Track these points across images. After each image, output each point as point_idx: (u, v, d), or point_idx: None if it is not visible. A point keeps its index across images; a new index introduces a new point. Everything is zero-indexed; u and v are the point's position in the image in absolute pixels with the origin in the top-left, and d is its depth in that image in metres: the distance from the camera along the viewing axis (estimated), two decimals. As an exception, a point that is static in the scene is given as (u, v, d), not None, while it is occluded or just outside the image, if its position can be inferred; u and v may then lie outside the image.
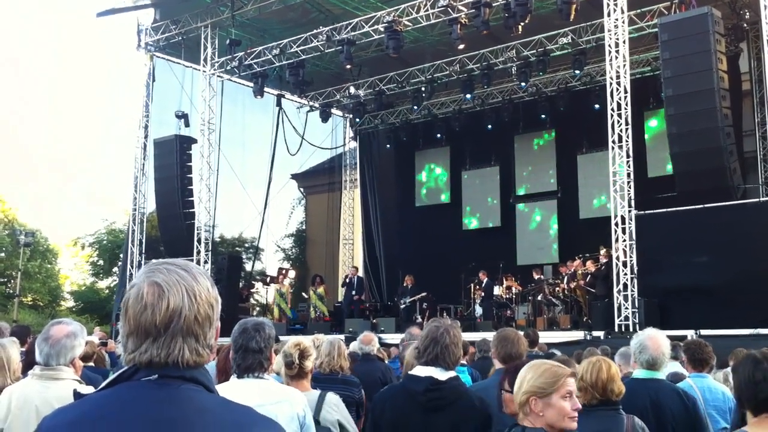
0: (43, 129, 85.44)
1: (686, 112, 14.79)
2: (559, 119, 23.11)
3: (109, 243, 38.39)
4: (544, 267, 21.03)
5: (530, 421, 3.20)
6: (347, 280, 22.55)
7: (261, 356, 3.86)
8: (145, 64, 22.99)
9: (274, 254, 30.62)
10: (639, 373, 4.79)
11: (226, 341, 3.98)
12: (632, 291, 15.30)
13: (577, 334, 15.72)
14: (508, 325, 14.33)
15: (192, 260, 20.20)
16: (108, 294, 36.18)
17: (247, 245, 30.78)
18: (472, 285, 20.60)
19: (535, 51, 20.28)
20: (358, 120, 26.59)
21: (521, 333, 5.42)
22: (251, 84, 22.35)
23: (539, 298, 19.19)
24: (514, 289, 19.99)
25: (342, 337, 12.57)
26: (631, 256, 15.49)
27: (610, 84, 16.28)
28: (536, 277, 20.00)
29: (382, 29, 18.84)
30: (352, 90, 24.10)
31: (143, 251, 22.46)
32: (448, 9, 17.87)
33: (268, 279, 23.61)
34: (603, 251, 17.71)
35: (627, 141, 15.89)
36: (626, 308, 15.29)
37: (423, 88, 23.12)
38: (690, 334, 12.62)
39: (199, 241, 21.25)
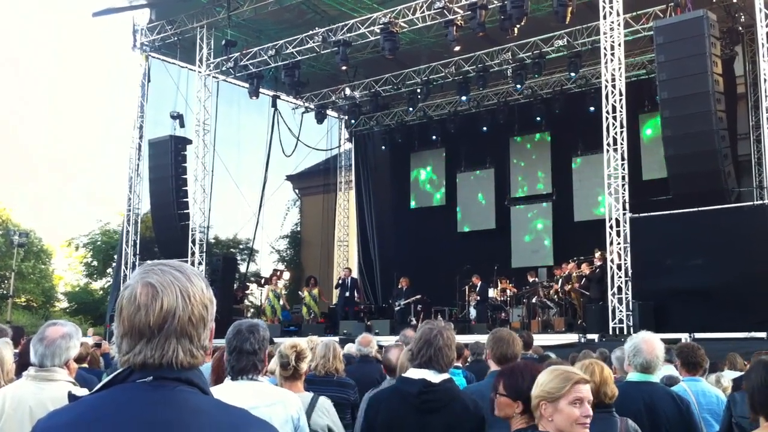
0: (43, 129, 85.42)
1: (681, 115, 14.82)
2: (554, 121, 23.12)
3: (103, 244, 38.32)
4: (538, 269, 21.07)
5: (543, 426, 3.20)
6: (340, 282, 22.54)
7: (255, 358, 3.85)
8: (140, 64, 22.96)
9: (268, 255, 30.60)
10: (633, 376, 4.79)
11: (220, 343, 3.97)
12: (626, 294, 15.32)
13: (572, 337, 15.75)
14: (504, 327, 14.31)
15: (186, 261, 20.13)
16: (102, 295, 36.11)
17: (241, 246, 30.73)
18: (466, 287, 20.61)
19: (530, 53, 20.30)
20: (353, 121, 26.59)
21: (516, 334, 5.41)
22: (246, 85, 22.31)
23: (534, 300, 19.20)
24: (508, 291, 20.00)
25: (336, 339, 12.57)
26: (625, 259, 15.51)
27: (606, 86, 16.30)
28: (531, 279, 20.03)
29: (378, 31, 18.83)
30: (348, 91, 24.10)
31: (137, 252, 22.40)
32: (444, 11, 17.89)
33: (262, 280, 23.59)
34: (597, 254, 17.74)
35: (622, 143, 15.91)
36: (620, 311, 15.31)
37: (418, 90, 23.12)
38: (684, 337, 12.65)
39: (193, 242, 21.21)
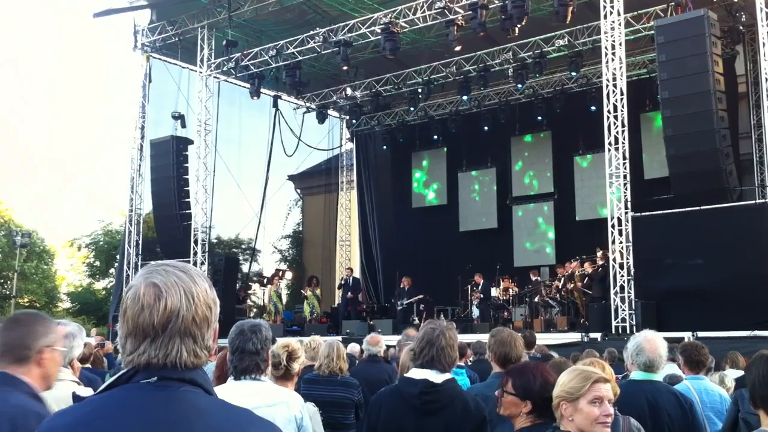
0: (43, 129, 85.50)
1: (682, 115, 14.81)
2: (555, 121, 23.11)
3: (105, 244, 38.40)
4: (540, 269, 21.06)
5: (564, 425, 3.21)
6: (343, 282, 22.54)
7: (258, 358, 3.86)
8: (141, 65, 22.96)
9: (270, 255, 30.62)
10: (636, 374, 4.80)
11: (224, 343, 3.98)
12: (629, 293, 15.31)
13: (574, 336, 15.75)
14: (506, 327, 14.32)
15: (188, 261, 20.19)
16: (105, 295, 36.16)
17: (243, 246, 30.74)
18: (469, 286, 20.61)
19: (531, 53, 20.30)
20: (354, 121, 26.59)
21: (517, 333, 5.41)
22: (248, 85, 22.31)
23: (536, 299, 19.20)
24: (511, 290, 19.99)
25: (339, 338, 12.57)
26: (627, 258, 15.51)
27: (607, 86, 16.29)
28: (533, 278, 20.03)
29: (378, 31, 18.83)
30: (349, 91, 24.10)
31: (140, 252, 22.42)
32: (445, 11, 17.89)
33: (265, 280, 23.60)
34: (599, 253, 17.75)
35: (623, 143, 15.90)
36: (623, 310, 15.31)
37: (419, 90, 23.11)
38: (687, 336, 12.64)
39: (195, 242, 21.22)
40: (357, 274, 25.28)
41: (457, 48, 18.96)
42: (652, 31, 16.11)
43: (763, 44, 15.07)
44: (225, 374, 4.24)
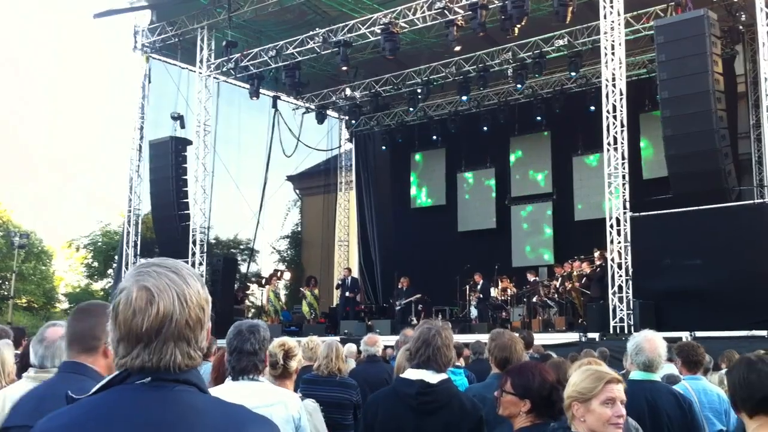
0: (43, 129, 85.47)
1: (681, 115, 14.81)
2: (554, 121, 23.10)
3: (103, 245, 38.36)
4: (539, 269, 21.06)
5: (575, 426, 3.20)
6: (341, 282, 22.55)
7: (256, 358, 3.85)
8: (141, 65, 22.95)
9: (269, 256, 30.62)
10: (635, 374, 4.80)
11: (222, 343, 3.98)
12: (627, 293, 15.31)
13: (573, 336, 15.75)
14: (503, 327, 14.32)
15: (187, 262, 20.15)
16: (103, 296, 36.03)
17: (242, 247, 30.72)
18: (467, 287, 20.61)
19: (531, 53, 20.29)
20: (353, 122, 26.58)
21: (517, 337, 5.41)
22: (247, 86, 22.30)
23: (534, 299, 19.20)
24: (509, 290, 19.98)
25: (337, 339, 12.57)
26: (626, 258, 15.51)
27: (606, 86, 16.29)
28: (531, 278, 20.01)
29: (378, 31, 18.82)
30: (348, 92, 24.10)
31: (138, 253, 22.39)
32: (445, 11, 17.89)
33: (263, 281, 23.59)
34: (597, 253, 17.75)
35: (622, 143, 15.90)
36: (621, 310, 15.31)
37: (419, 90, 23.11)
38: (685, 335, 12.65)
39: (194, 242, 21.21)
40: (355, 274, 25.28)
41: (457, 48, 18.96)
42: (652, 31, 16.10)
43: (763, 44, 15.08)
44: (222, 375, 4.24)
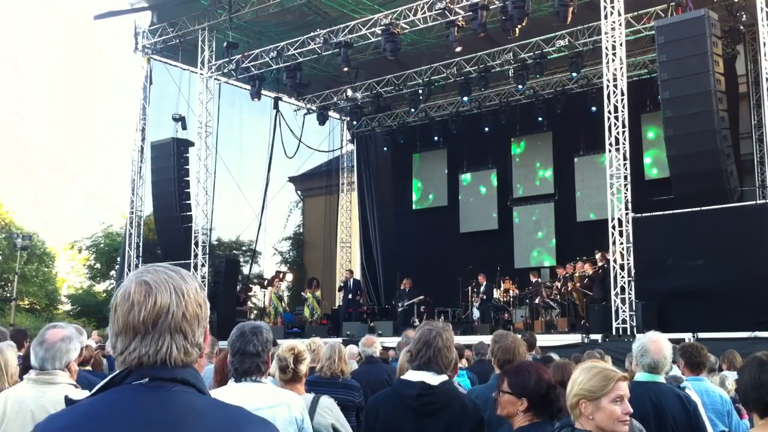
0: (43, 129, 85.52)
1: (683, 115, 14.81)
2: (556, 122, 23.10)
3: (106, 246, 38.39)
4: (541, 270, 21.05)
5: (581, 424, 3.20)
6: (343, 283, 22.54)
7: (258, 360, 3.85)
8: (142, 66, 22.97)
9: (271, 257, 30.60)
10: (640, 376, 4.80)
11: (224, 345, 3.97)
12: (629, 294, 15.30)
13: (575, 337, 15.74)
14: (505, 329, 14.31)
15: (189, 263, 20.22)
16: (105, 297, 36.13)
17: (244, 248, 30.71)
18: (469, 288, 20.60)
19: (532, 53, 20.30)
20: (355, 123, 26.60)
21: (520, 339, 5.40)
22: (248, 87, 22.30)
23: (537, 301, 19.18)
24: (511, 292, 19.98)
25: (339, 340, 12.56)
26: (628, 259, 15.49)
27: (607, 86, 16.28)
28: (533, 280, 20.00)
29: (379, 32, 18.83)
30: (349, 93, 24.10)
31: (140, 254, 22.42)
32: (446, 12, 17.89)
33: (265, 282, 23.58)
34: (598, 255, 17.74)
35: (624, 143, 15.90)
36: (623, 311, 15.30)
37: (420, 91, 23.12)
38: (687, 337, 12.62)
39: (196, 244, 21.21)
40: (357, 275, 25.27)
41: (458, 49, 18.95)
42: (653, 32, 16.11)
43: (764, 44, 15.06)
44: (225, 377, 4.23)
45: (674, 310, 14.43)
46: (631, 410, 3.24)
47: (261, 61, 21.20)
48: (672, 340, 4.99)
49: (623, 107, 16.00)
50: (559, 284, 18.88)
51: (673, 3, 16.50)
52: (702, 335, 12.91)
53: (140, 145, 22.84)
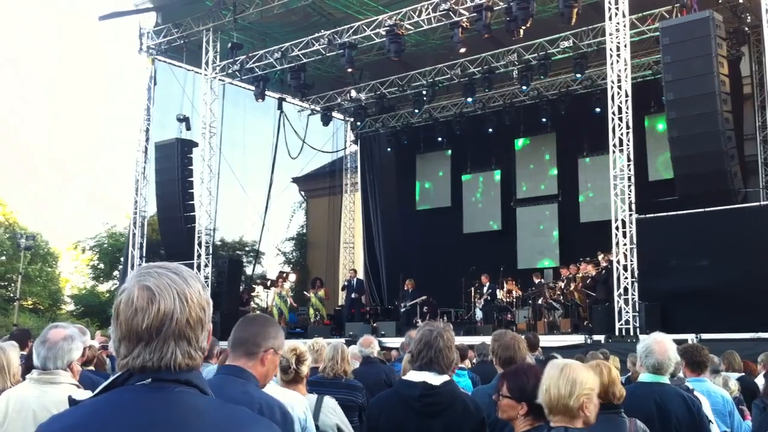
0: (43, 129, 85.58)
1: (687, 116, 14.78)
2: (560, 123, 23.09)
3: (109, 246, 38.44)
4: (544, 271, 21.03)
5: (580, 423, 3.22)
6: (346, 284, 22.54)
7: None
8: (146, 67, 23.00)
9: (274, 258, 30.67)
10: (644, 376, 4.80)
11: (225, 345, 3.97)
12: (633, 295, 15.28)
13: (578, 338, 15.71)
14: (508, 329, 14.27)
15: (192, 263, 20.22)
16: (109, 298, 36.17)
17: (247, 249, 30.77)
18: (472, 289, 20.59)
19: (536, 54, 20.29)
20: (359, 123, 26.59)
21: (520, 336, 5.40)
22: (252, 87, 22.36)
23: (540, 301, 19.17)
24: (514, 292, 19.97)
25: (342, 340, 12.56)
26: (631, 260, 15.47)
27: (611, 87, 16.27)
28: (537, 281, 19.99)
29: (383, 33, 18.83)
30: (354, 93, 24.12)
31: (144, 255, 22.46)
32: (450, 13, 17.88)
33: (268, 282, 23.59)
34: (601, 256, 17.71)
35: (628, 144, 15.88)
36: (627, 312, 15.27)
37: (424, 92, 23.13)
38: (691, 338, 12.60)
39: (199, 244, 21.23)
40: (361, 276, 25.27)
41: (462, 50, 18.90)
42: (657, 33, 16.07)
43: (768, 45, 15.04)
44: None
45: (677, 311, 14.41)
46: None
47: (265, 61, 21.22)
48: (675, 341, 4.98)
49: (627, 108, 15.99)
50: (562, 285, 18.87)
51: (678, 4, 16.46)
52: (705, 336, 12.89)
53: (144, 145, 22.88)
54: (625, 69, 16.17)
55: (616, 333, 15.25)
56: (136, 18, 22.54)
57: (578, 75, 20.82)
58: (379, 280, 26.91)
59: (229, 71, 21.85)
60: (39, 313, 38.58)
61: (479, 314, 20.17)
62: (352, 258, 28.20)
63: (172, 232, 21.88)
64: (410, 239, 25.99)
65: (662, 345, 4.78)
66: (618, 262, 15.69)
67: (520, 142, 24.80)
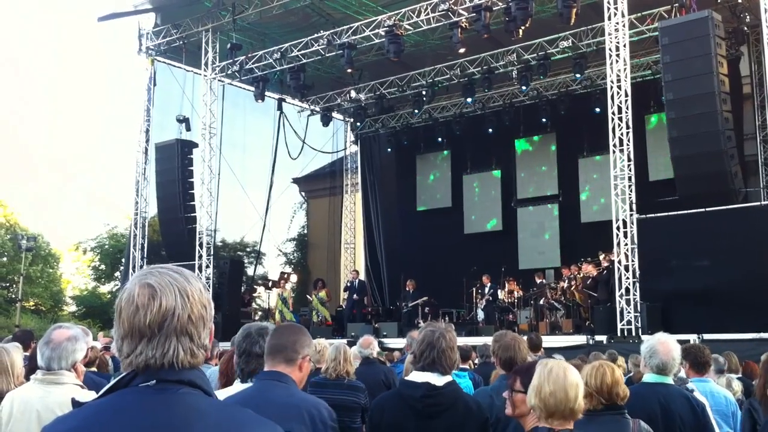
0: (43, 129, 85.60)
1: (687, 116, 14.79)
2: (560, 123, 23.09)
3: (110, 247, 38.46)
4: (545, 271, 21.02)
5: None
6: (348, 285, 22.54)
7: (263, 361, 3.86)
8: (146, 68, 22.99)
9: (275, 258, 30.62)
10: (648, 377, 4.80)
11: (225, 346, 4.00)
12: (634, 295, 15.28)
13: (580, 339, 15.72)
14: (510, 330, 14.27)
15: (193, 265, 20.24)
16: (110, 299, 36.22)
17: (248, 249, 30.75)
18: (474, 289, 20.59)
19: (535, 55, 20.29)
20: (359, 124, 26.59)
21: (520, 336, 5.41)
22: (252, 88, 22.36)
23: (541, 302, 19.16)
24: (515, 293, 19.96)
25: (344, 341, 12.57)
26: (632, 260, 15.47)
27: (611, 87, 16.28)
28: (538, 281, 19.99)
29: (382, 33, 18.84)
30: (353, 94, 24.12)
31: (145, 256, 22.47)
32: (449, 13, 17.89)
33: (270, 283, 23.58)
34: (602, 256, 17.72)
35: (628, 144, 15.88)
36: (628, 312, 15.27)
37: (424, 92, 23.14)
38: (692, 338, 12.61)
39: (200, 245, 21.24)
40: (362, 276, 25.26)
41: (461, 50, 18.91)
42: (657, 33, 16.07)
43: (768, 45, 15.05)
44: (230, 379, 4.25)
45: (679, 311, 14.41)
46: None
47: (265, 62, 21.23)
48: (678, 342, 4.99)
49: (627, 108, 16.00)
50: (563, 285, 18.87)
51: (677, 4, 16.46)
52: (707, 336, 12.89)
53: (144, 146, 22.89)
54: (625, 69, 16.18)
55: (618, 333, 15.25)
56: (135, 19, 22.57)
57: (578, 75, 20.81)
58: (380, 280, 26.90)
59: (229, 72, 21.85)
60: (41, 315, 38.63)
61: (481, 315, 20.16)
62: (352, 258, 28.19)
63: (172, 233, 21.88)
64: (411, 240, 25.99)
65: (666, 345, 4.79)
66: (619, 262, 15.70)
67: (520, 143, 24.80)
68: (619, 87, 16.14)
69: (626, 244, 15.61)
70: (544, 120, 23.28)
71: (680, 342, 5.17)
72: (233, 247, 30.55)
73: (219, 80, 22.28)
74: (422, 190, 26.92)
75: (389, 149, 27.16)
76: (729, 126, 14.64)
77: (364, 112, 25.32)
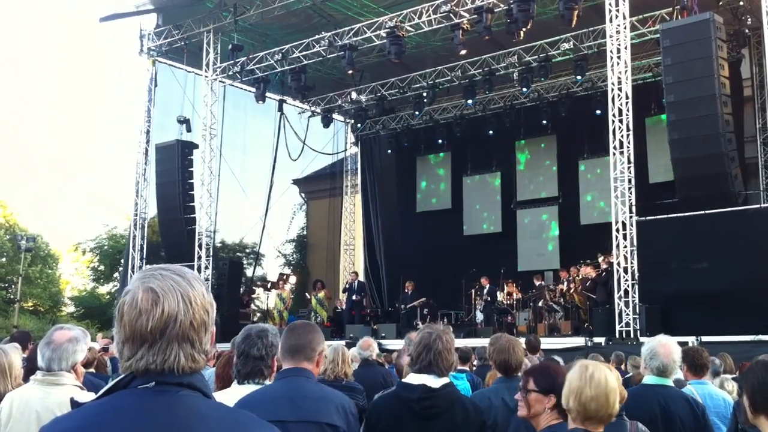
0: (43, 129, 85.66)
1: (688, 118, 14.78)
2: (560, 125, 23.09)
3: (110, 248, 38.43)
4: (544, 273, 21.01)
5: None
6: (348, 286, 22.53)
7: (262, 363, 3.85)
8: (147, 69, 23.00)
9: (275, 260, 30.64)
10: (649, 379, 4.80)
11: (224, 347, 4.00)
12: (633, 297, 15.28)
13: (578, 341, 15.70)
14: (509, 332, 14.31)
15: (193, 265, 20.22)
16: (109, 299, 36.19)
17: (248, 251, 30.76)
18: (473, 291, 20.58)
19: (536, 57, 20.29)
20: (359, 125, 26.60)
21: (516, 339, 5.41)
22: (253, 89, 22.38)
23: (540, 304, 19.15)
24: (515, 295, 19.95)
25: (343, 342, 12.56)
26: (632, 262, 15.47)
27: (612, 90, 16.27)
28: (537, 283, 19.97)
29: (384, 35, 18.85)
30: (354, 95, 24.12)
31: (144, 256, 22.47)
32: (450, 14, 17.89)
33: (269, 284, 23.58)
34: (602, 258, 17.71)
35: (628, 147, 15.87)
36: (627, 314, 15.27)
37: (424, 94, 23.13)
38: (691, 340, 12.59)
39: (200, 246, 21.24)
40: (361, 277, 25.26)
41: (463, 52, 18.94)
42: (658, 35, 16.08)
43: (769, 48, 15.04)
44: (227, 381, 4.25)
45: (678, 313, 14.40)
46: None
47: (266, 63, 21.24)
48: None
49: (628, 110, 15.99)
50: (562, 287, 18.86)
51: (678, 6, 16.46)
52: (705, 339, 12.88)
53: (144, 147, 22.89)
54: (626, 71, 16.17)
55: (617, 335, 15.24)
56: (136, 19, 22.58)
57: (579, 77, 20.81)
58: (379, 282, 26.90)
59: (230, 73, 21.86)
60: (39, 315, 38.61)
61: (480, 316, 20.15)
62: (352, 260, 28.19)
63: (172, 233, 21.88)
64: (410, 241, 25.99)
65: (667, 347, 4.79)
66: (618, 264, 15.69)
67: (520, 144, 24.79)
68: (620, 89, 16.13)
69: (626, 246, 15.60)
70: (544, 122, 23.28)
71: (679, 344, 5.17)
72: (233, 248, 30.56)
73: (220, 81, 22.29)
74: (422, 191, 26.92)
75: (389, 151, 27.17)
76: (729, 128, 14.63)
77: (364, 114, 25.31)
